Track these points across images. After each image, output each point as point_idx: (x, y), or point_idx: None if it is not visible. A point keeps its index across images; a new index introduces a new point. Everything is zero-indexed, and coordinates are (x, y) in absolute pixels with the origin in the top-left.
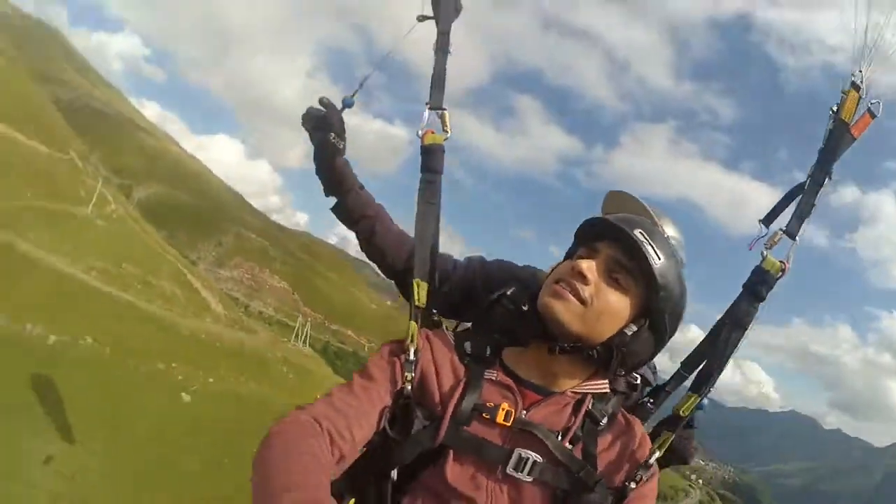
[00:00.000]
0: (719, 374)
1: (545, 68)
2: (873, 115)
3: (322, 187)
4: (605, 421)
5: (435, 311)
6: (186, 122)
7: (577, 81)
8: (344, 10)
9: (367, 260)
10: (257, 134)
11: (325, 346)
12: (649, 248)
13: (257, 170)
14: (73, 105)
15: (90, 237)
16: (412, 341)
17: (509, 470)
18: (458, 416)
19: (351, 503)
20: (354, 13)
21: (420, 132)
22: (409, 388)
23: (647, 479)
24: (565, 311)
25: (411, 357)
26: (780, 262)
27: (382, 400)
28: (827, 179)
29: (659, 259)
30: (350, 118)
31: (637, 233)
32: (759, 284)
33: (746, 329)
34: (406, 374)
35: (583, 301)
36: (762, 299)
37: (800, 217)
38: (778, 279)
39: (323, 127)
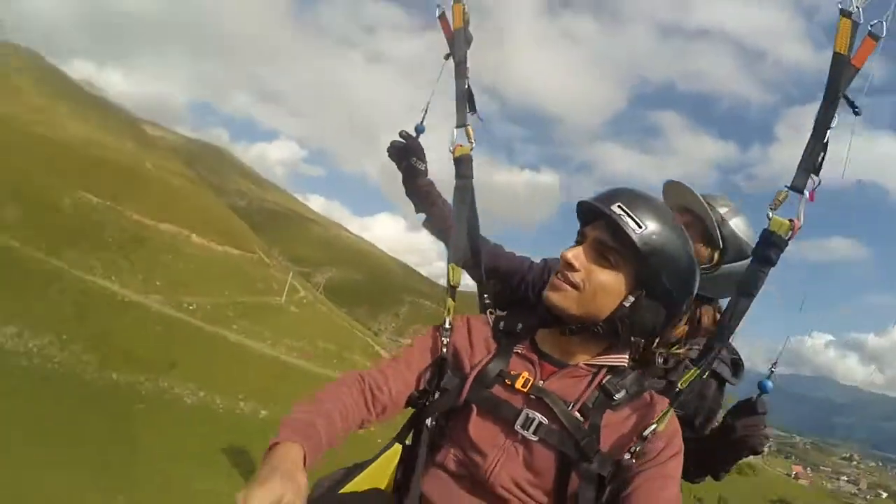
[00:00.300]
0: (722, 345)
1: (676, 79)
2: (875, 38)
3: (414, 207)
4: (620, 395)
5: (488, 297)
6: (349, 208)
7: (713, 83)
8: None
9: None
10: (412, 206)
11: None
12: (628, 219)
13: (419, 240)
14: (249, 209)
15: (286, 322)
16: (448, 313)
17: (517, 427)
18: (483, 378)
19: (396, 447)
20: (481, 74)
21: (451, 147)
22: (445, 350)
23: (648, 453)
24: (562, 299)
25: (447, 325)
26: (789, 220)
27: (421, 362)
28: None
29: (640, 227)
30: (500, 175)
31: (614, 207)
32: (767, 248)
33: (753, 297)
34: (443, 339)
35: (576, 286)
36: (772, 264)
37: (805, 168)
38: (789, 239)
39: (405, 155)
